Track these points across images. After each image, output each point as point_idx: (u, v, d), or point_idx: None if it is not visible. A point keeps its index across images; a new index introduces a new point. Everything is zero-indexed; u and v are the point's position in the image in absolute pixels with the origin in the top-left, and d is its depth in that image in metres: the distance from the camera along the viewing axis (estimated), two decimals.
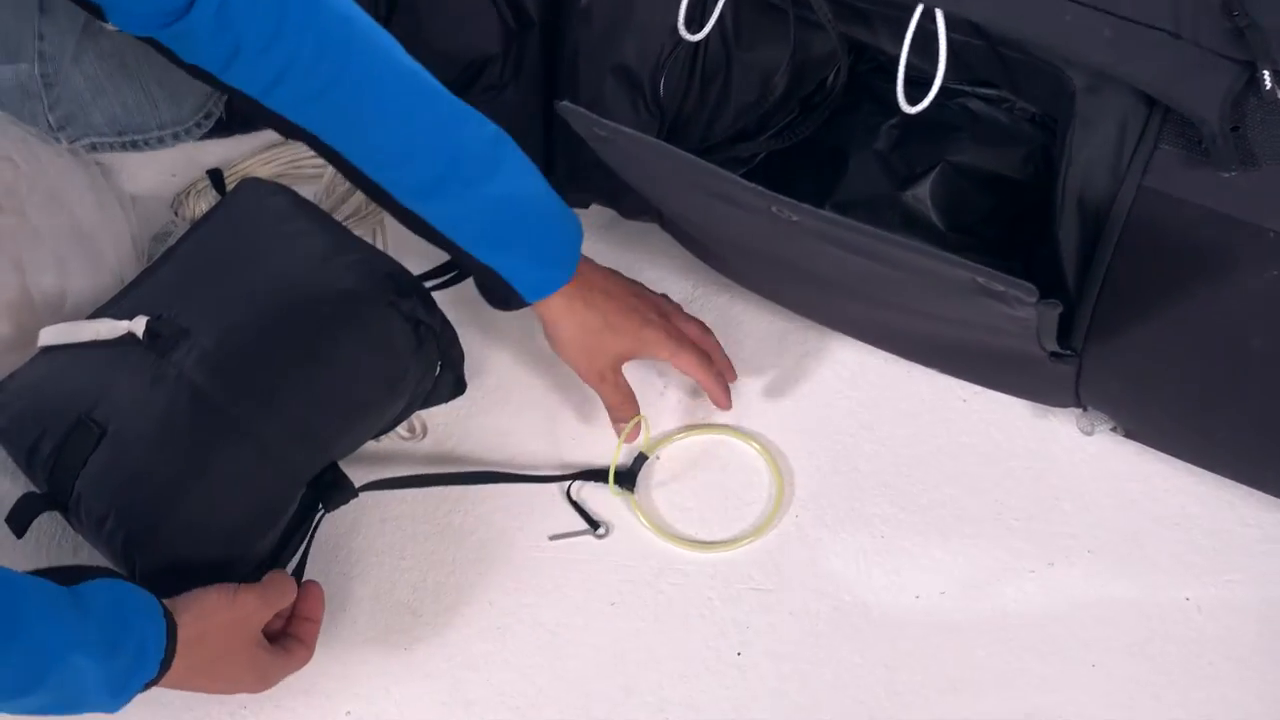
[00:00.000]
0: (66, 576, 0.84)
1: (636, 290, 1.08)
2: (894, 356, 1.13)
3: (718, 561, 1.05)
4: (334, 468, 1.00)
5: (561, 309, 1.02)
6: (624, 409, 1.07)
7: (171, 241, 1.11)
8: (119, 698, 0.84)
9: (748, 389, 1.13)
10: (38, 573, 0.84)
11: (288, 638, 0.96)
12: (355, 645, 1.02)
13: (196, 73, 0.93)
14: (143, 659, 0.84)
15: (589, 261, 1.04)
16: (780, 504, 1.07)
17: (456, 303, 1.06)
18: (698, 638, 1.01)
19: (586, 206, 1.19)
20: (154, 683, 0.85)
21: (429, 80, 0.95)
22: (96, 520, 0.95)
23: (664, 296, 1.10)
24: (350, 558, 1.06)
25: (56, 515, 1.00)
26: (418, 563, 1.06)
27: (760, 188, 0.85)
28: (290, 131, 0.95)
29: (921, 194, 1.07)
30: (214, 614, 0.89)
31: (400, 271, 1.03)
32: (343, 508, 1.02)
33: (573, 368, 1.06)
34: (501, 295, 1.01)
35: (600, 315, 1.03)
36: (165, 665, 0.85)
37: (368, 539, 1.07)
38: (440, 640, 1.02)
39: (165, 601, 0.87)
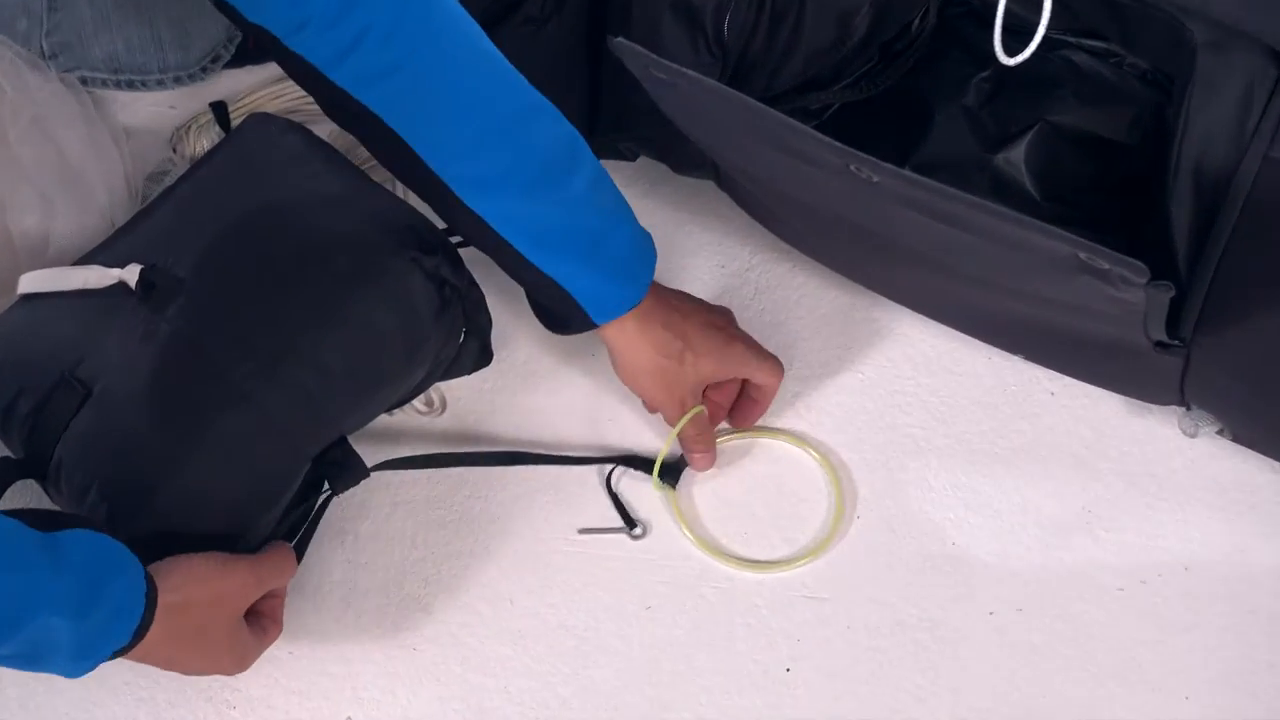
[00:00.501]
0: (44, 521, 0.82)
1: (709, 306, 1.06)
2: (973, 340, 1.11)
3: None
4: (343, 443, 0.99)
5: (635, 333, 0.99)
6: (702, 439, 1.05)
7: (169, 181, 1.10)
8: (83, 662, 0.82)
9: (808, 371, 1.12)
10: (12, 513, 0.82)
11: (258, 615, 0.96)
12: (359, 643, 1.01)
13: (259, 34, 0.92)
14: (117, 623, 0.83)
15: (657, 282, 1.01)
16: (840, 520, 1.05)
17: (485, 264, 1.05)
18: (742, 649, 1.00)
19: (634, 158, 1.18)
20: (125, 650, 0.84)
21: (508, 69, 0.94)
22: (78, 491, 0.94)
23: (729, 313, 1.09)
24: (356, 545, 1.05)
25: (33, 484, 1.00)
26: (431, 553, 1.05)
27: (838, 144, 0.83)
28: (350, 112, 0.92)
29: (1015, 157, 1.04)
30: (200, 583, 0.89)
31: (425, 224, 1.02)
32: (350, 489, 1.01)
33: (646, 399, 1.05)
34: (561, 315, 0.99)
35: (679, 337, 1.01)
36: (139, 633, 0.84)
37: (376, 524, 1.06)
38: (453, 641, 1.02)
39: (148, 566, 0.86)
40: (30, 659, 0.80)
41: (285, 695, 0.99)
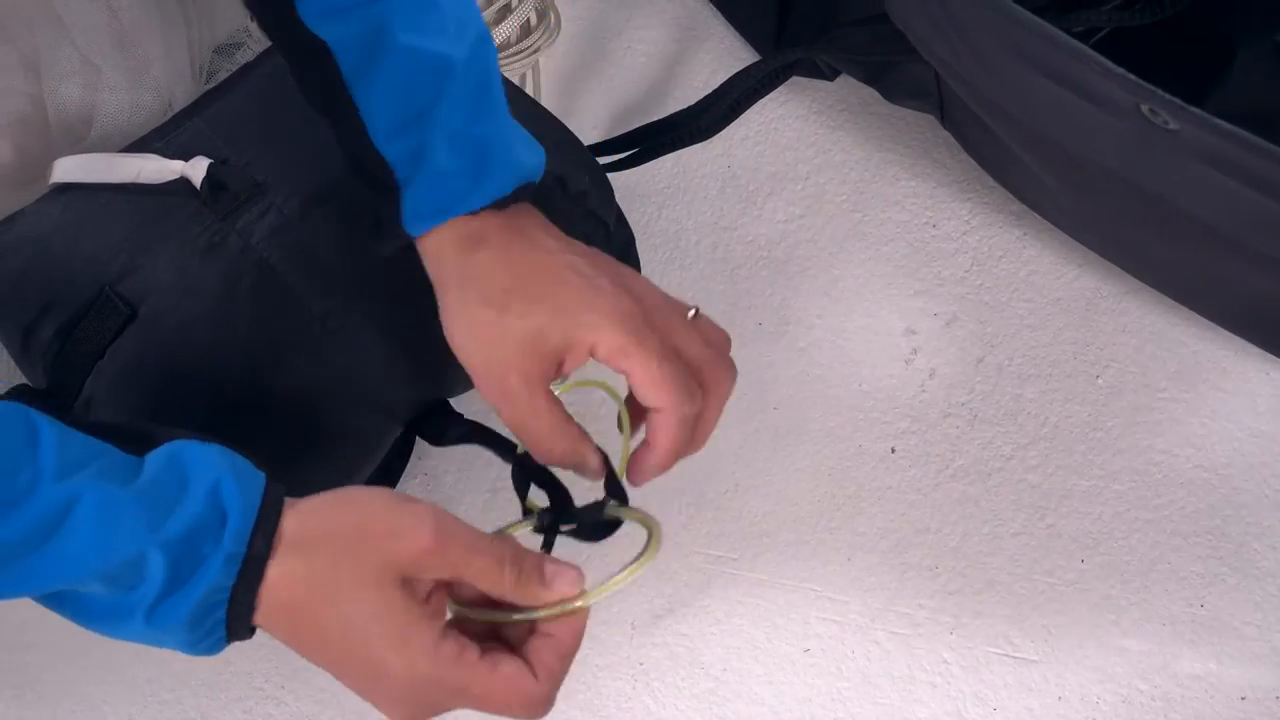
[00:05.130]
0: (137, 439, 0.75)
1: (596, 255, 0.86)
2: (1254, 349, 1.09)
3: (960, 611, 1.03)
4: (443, 407, 0.98)
5: (450, 256, 0.83)
6: (557, 444, 0.82)
7: (243, 58, 1.10)
8: (173, 604, 0.71)
9: (1031, 369, 1.11)
10: (98, 430, 0.76)
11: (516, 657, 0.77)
12: None
13: None
14: (211, 541, 0.71)
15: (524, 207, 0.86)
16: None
17: (635, 194, 1.04)
18: (922, 714, 1.00)
19: (832, 78, 1.17)
20: (243, 599, 0.72)
21: None
22: None
23: (669, 299, 0.86)
24: None
25: None
26: None
27: (1132, 76, 0.81)
28: None
29: None
30: (335, 505, 0.75)
31: (569, 139, 1.00)
32: (439, 469, 1.00)
33: (471, 375, 0.85)
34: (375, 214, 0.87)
35: (510, 273, 0.82)
36: (251, 565, 0.72)
37: (470, 513, 1.06)
38: None
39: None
40: (114, 613, 0.72)
41: (340, 714, 0.99)
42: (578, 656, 0.99)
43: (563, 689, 0.98)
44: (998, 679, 1.01)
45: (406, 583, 0.73)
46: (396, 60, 0.80)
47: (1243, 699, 0.99)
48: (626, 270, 0.85)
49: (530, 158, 0.86)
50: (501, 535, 0.77)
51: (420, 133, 0.81)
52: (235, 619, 0.72)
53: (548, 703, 0.76)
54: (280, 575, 0.72)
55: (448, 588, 0.76)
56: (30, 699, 1.01)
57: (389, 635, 0.73)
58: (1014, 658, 1.01)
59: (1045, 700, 1.00)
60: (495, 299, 0.81)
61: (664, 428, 0.81)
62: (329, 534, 0.73)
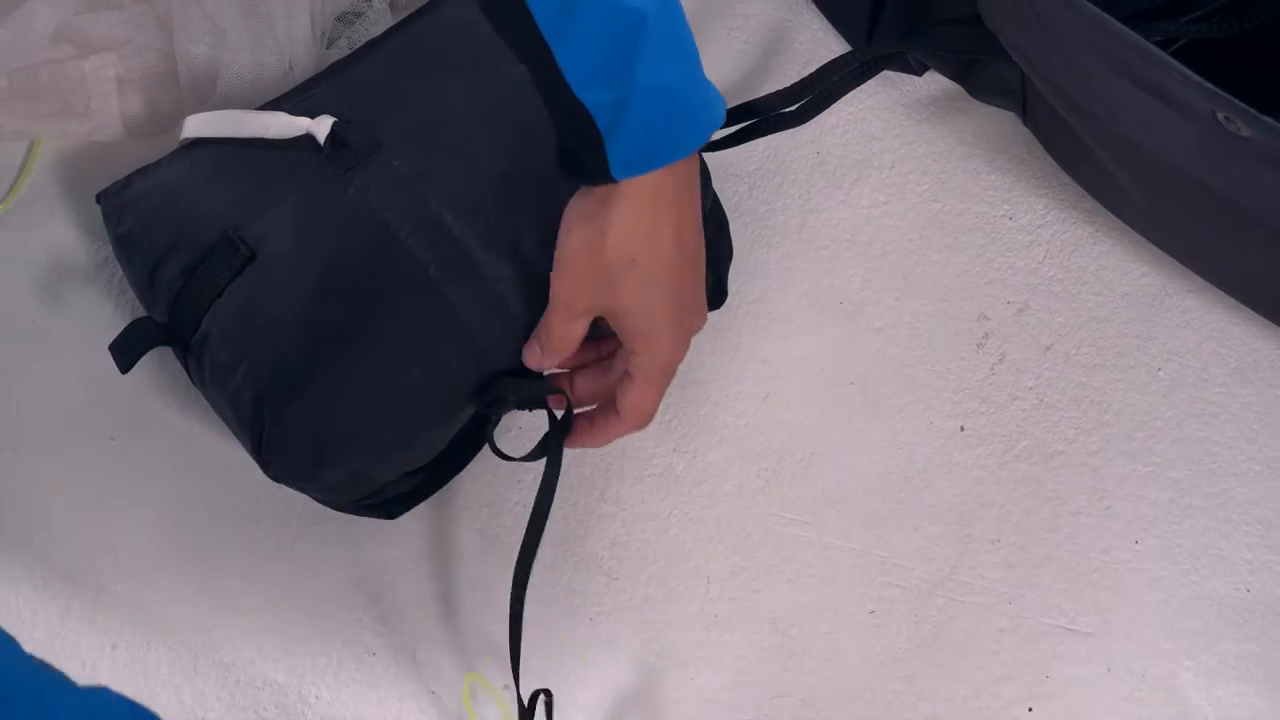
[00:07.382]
0: None
1: (700, 253, 0.96)
2: None
3: (1018, 583, 1.05)
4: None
5: (645, 201, 0.90)
6: (565, 353, 0.97)
7: (366, 28, 1.13)
8: None
9: (1097, 359, 1.13)
10: None
11: None
12: (527, 601, 1.00)
13: None
14: None
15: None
16: None
17: (728, 174, 1.06)
18: (978, 677, 1.02)
19: (921, 73, 1.19)
20: None
21: None
22: (222, 369, 0.97)
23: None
24: (533, 488, 1.03)
25: (170, 354, 1.05)
26: (621, 510, 1.08)
27: (1209, 85, 0.84)
28: None
29: None
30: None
31: None
32: (529, 425, 1.04)
33: (558, 265, 0.94)
34: (576, 151, 0.90)
35: (668, 252, 0.92)
36: None
37: (563, 469, 1.04)
38: (636, 616, 1.05)
39: None
40: None
41: (434, 647, 1.03)
42: (655, 605, 1.05)
43: (636, 633, 1.04)
44: (1050, 649, 1.03)
45: None
46: (591, 13, 0.83)
47: None
48: (700, 284, 0.96)
49: (719, 102, 0.92)
50: None
51: (620, 85, 0.85)
52: None
53: None
54: None
55: None
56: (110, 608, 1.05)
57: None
58: (1067, 630, 1.04)
59: (1095, 671, 1.02)
60: (620, 259, 0.90)
61: (609, 429, 0.97)
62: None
